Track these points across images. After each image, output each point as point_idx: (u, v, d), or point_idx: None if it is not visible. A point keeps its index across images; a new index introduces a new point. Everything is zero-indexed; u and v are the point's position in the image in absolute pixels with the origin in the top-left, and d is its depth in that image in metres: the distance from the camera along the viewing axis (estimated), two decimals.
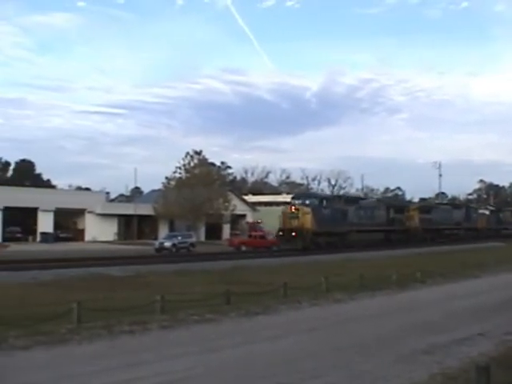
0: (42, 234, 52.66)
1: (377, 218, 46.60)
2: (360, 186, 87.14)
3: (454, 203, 77.14)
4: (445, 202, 76.25)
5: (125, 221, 60.57)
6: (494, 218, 68.02)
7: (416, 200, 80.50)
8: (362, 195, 72.28)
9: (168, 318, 12.09)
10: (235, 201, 61.92)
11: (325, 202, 42.81)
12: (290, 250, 35.74)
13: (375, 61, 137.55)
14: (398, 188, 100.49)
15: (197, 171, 59.48)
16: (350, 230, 41.74)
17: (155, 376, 7.84)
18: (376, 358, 9.07)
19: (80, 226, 58.37)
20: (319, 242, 39.38)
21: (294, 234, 37.53)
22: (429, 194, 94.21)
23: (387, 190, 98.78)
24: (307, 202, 40.71)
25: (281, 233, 39.04)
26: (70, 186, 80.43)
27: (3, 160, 64.76)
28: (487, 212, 68.59)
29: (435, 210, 57.65)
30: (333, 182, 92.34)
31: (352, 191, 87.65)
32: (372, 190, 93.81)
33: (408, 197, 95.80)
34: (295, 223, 38.24)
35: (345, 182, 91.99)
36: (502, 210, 73.51)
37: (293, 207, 39.71)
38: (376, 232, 45.27)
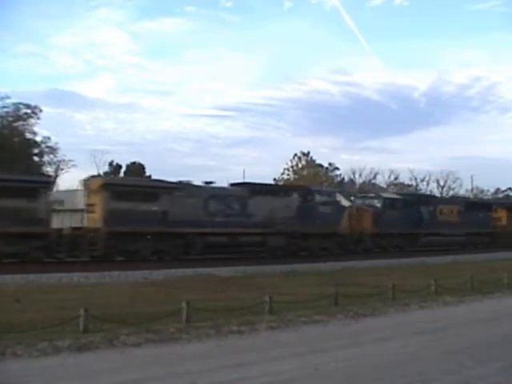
0: None
1: (454, 219, 40.88)
2: (470, 187, 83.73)
3: None
4: None
5: None
6: None
7: None
8: (471, 196, 69.17)
9: (276, 319, 12.22)
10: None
11: (388, 202, 37.97)
12: (390, 252, 34.75)
13: (486, 58, 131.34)
14: (510, 189, 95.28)
15: (304, 172, 59.68)
16: (424, 232, 38.01)
17: (263, 376, 7.96)
18: (487, 364, 8.77)
19: None
20: (382, 243, 36.02)
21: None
22: None
23: (498, 190, 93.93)
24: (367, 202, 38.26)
25: None
26: None
27: (114, 163, 67.48)
28: None
29: None
30: (442, 183, 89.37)
31: (461, 192, 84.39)
32: (482, 190, 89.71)
33: None
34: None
35: (454, 182, 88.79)
36: None
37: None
38: (453, 236, 40.22)
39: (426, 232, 38.12)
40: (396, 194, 44.06)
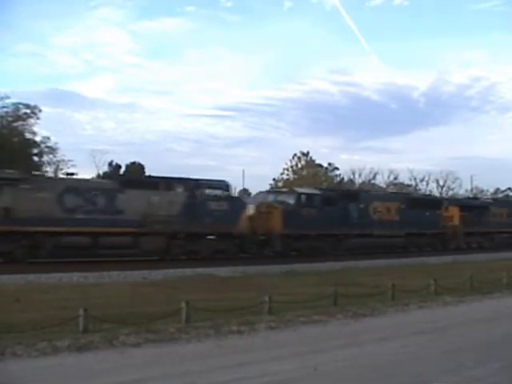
0: None
1: (391, 217, 36.25)
2: (469, 187, 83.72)
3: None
4: None
5: None
6: None
7: None
8: (470, 196, 69.00)
9: (275, 319, 12.23)
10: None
11: (304, 198, 32.64)
12: (391, 253, 34.28)
13: (486, 58, 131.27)
14: (509, 189, 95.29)
15: (304, 172, 59.76)
16: (352, 233, 33.24)
17: (263, 376, 7.97)
18: (487, 364, 8.77)
19: None
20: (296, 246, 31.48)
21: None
22: None
23: (497, 190, 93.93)
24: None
25: None
26: None
27: (114, 163, 67.38)
28: None
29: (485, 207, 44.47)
30: (441, 183, 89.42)
31: (461, 192, 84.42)
32: (481, 190, 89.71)
33: None
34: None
35: (453, 182, 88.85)
36: None
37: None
38: (391, 237, 35.52)
39: (356, 233, 33.32)
40: (317, 189, 37.22)
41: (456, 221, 40.69)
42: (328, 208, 32.26)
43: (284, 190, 37.07)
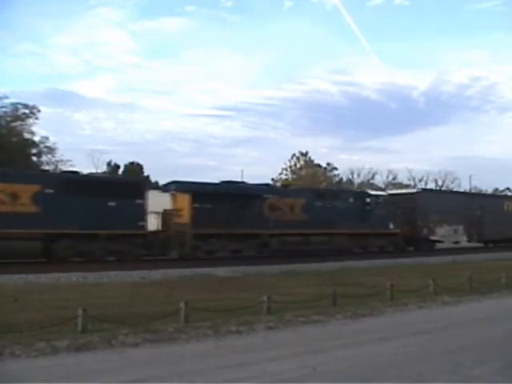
0: None
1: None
2: (468, 187, 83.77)
3: None
4: None
5: None
6: None
7: None
8: None
9: (274, 319, 12.23)
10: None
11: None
12: (392, 252, 34.41)
13: (486, 58, 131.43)
14: (508, 188, 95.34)
15: (303, 172, 59.83)
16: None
17: (262, 376, 7.94)
18: (486, 364, 8.75)
19: None
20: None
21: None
22: None
23: (496, 190, 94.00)
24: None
25: None
26: None
27: (113, 163, 67.32)
28: None
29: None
30: (440, 183, 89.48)
31: None
32: (480, 190, 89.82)
33: None
34: None
35: (452, 182, 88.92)
36: None
37: None
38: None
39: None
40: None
41: (186, 217, 27.69)
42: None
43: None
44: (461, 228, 40.85)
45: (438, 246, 40.01)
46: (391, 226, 35.75)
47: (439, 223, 39.16)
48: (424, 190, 48.82)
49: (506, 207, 45.87)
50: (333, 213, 32.81)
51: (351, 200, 35.00)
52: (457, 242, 41.29)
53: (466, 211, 40.96)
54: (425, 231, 38.44)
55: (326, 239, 32.28)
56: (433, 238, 39.06)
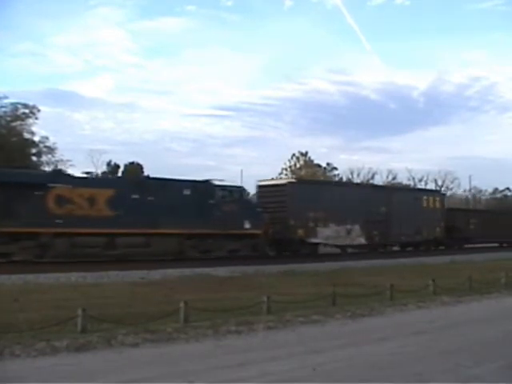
0: None
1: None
2: (468, 187, 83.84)
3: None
4: None
5: None
6: None
7: None
8: (469, 197, 68.86)
9: (274, 319, 12.23)
10: None
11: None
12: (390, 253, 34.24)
13: (486, 58, 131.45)
14: (508, 189, 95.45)
15: (303, 172, 59.75)
16: None
17: (262, 376, 7.93)
18: (486, 364, 8.77)
19: None
20: None
21: None
22: None
23: (496, 190, 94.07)
24: None
25: None
26: None
27: (112, 163, 67.24)
28: None
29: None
30: (440, 183, 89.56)
31: (459, 192, 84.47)
32: (480, 190, 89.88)
33: None
34: None
35: (452, 182, 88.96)
36: None
37: None
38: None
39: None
40: None
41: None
42: None
43: None
44: (356, 228, 33.58)
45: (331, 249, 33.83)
46: (247, 226, 28.57)
47: (323, 222, 31.84)
48: (298, 181, 38.78)
49: (425, 203, 38.68)
50: (156, 208, 25.78)
51: (186, 192, 27.30)
52: (352, 246, 34.65)
53: (364, 208, 33.86)
54: (300, 232, 31.05)
55: (143, 241, 25.50)
56: (313, 240, 31.78)
